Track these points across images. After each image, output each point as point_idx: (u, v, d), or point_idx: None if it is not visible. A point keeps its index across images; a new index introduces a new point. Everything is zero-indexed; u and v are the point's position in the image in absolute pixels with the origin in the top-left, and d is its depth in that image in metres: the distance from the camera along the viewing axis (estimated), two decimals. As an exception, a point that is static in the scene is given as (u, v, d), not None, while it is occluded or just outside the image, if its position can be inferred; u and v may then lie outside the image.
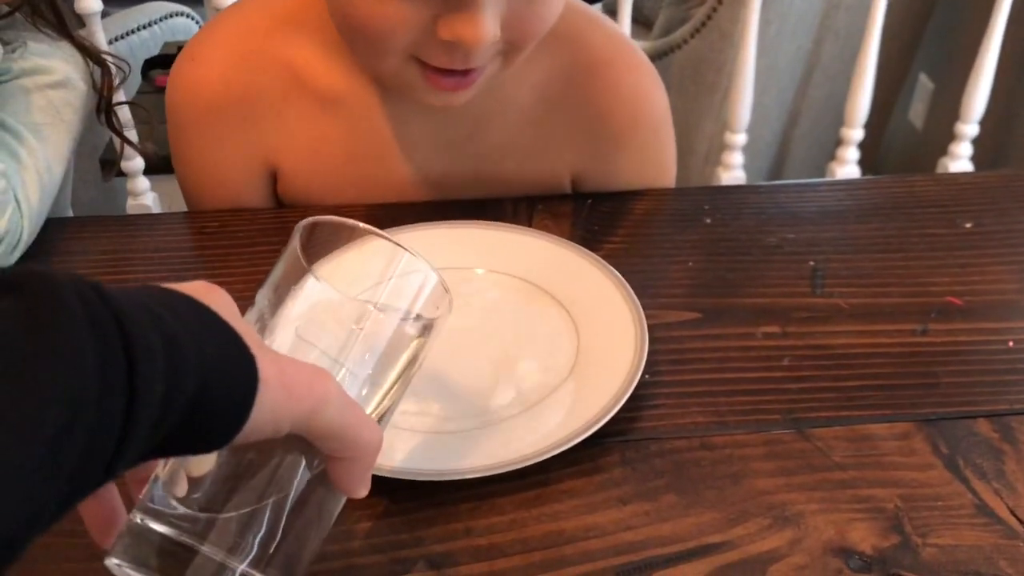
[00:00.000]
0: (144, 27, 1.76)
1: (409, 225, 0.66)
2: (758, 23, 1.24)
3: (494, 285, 0.63)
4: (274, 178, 0.73)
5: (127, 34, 1.73)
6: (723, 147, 1.34)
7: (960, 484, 0.50)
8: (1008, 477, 0.50)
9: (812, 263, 0.66)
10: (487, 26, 0.55)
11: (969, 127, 1.37)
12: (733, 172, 1.35)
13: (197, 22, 1.89)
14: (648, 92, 0.73)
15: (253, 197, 0.73)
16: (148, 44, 1.78)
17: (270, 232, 0.70)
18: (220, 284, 0.35)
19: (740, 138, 1.32)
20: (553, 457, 0.50)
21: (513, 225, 0.67)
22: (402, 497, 0.49)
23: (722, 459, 0.52)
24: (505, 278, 0.64)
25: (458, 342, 0.59)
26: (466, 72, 0.59)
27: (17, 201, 0.67)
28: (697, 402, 0.55)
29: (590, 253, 0.63)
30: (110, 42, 1.74)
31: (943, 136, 1.43)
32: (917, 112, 2.01)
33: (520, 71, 0.66)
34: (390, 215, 0.69)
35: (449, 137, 0.70)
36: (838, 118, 1.37)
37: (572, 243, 0.64)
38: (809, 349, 0.59)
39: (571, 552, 0.47)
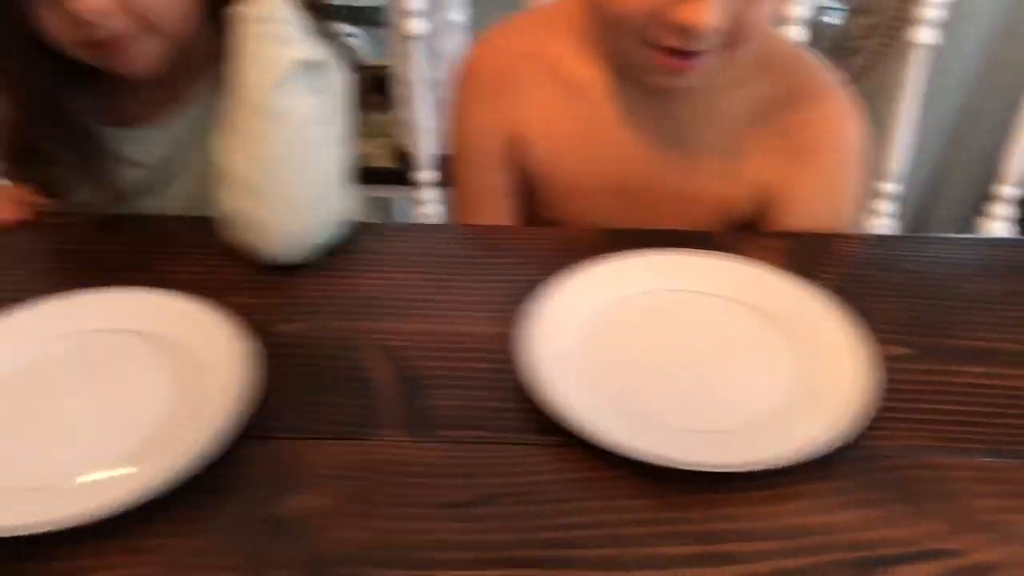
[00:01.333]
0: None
1: (641, 250, 0.75)
2: (918, 79, 1.30)
3: (720, 308, 0.71)
4: (521, 147, 0.85)
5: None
6: (875, 194, 1.39)
7: None
8: None
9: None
10: (711, 14, 0.65)
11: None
12: (883, 220, 1.40)
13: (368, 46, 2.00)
14: (842, 120, 0.81)
15: (504, 161, 0.86)
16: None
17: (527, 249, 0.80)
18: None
19: (893, 187, 1.38)
20: (798, 464, 0.57)
21: (735, 255, 0.75)
22: (675, 486, 0.57)
23: (944, 479, 0.58)
24: (729, 303, 0.71)
25: (700, 358, 0.67)
26: (692, 55, 0.69)
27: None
28: (917, 427, 0.62)
29: (811, 285, 0.71)
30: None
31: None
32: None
33: (734, 88, 0.77)
34: (613, 240, 0.77)
35: (667, 129, 0.80)
36: (989, 174, 1.41)
37: (794, 275, 0.72)
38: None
39: (810, 543, 0.55)
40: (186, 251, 0.78)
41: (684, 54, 0.69)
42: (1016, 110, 1.38)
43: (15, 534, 0.51)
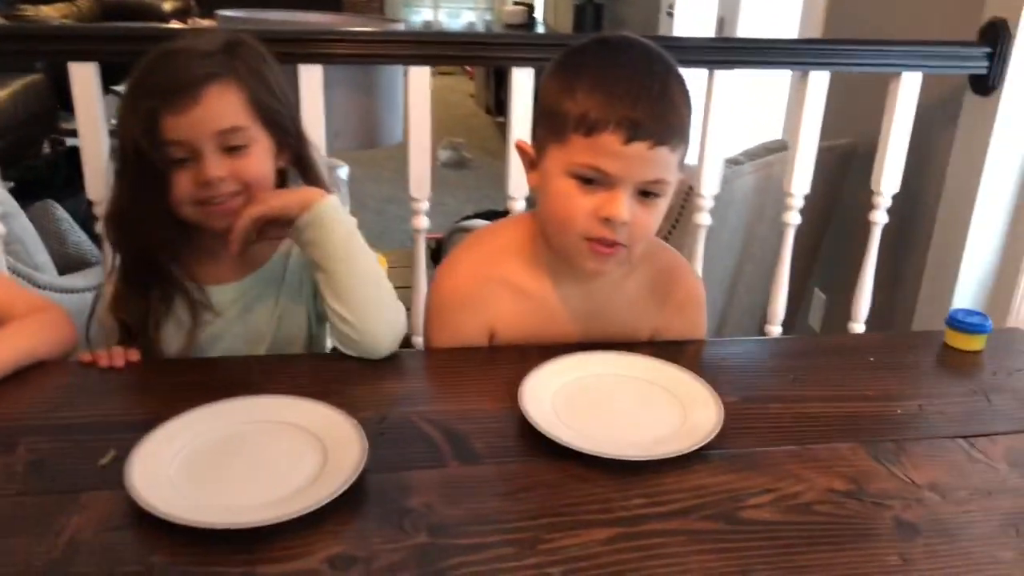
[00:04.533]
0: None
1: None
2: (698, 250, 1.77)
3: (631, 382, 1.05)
4: (492, 336, 1.18)
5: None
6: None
7: None
8: None
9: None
10: (624, 209, 1.00)
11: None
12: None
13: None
14: (697, 285, 1.22)
15: (478, 343, 1.17)
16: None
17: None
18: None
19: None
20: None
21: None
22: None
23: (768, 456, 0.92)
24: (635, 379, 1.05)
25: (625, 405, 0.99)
26: (613, 244, 1.03)
27: None
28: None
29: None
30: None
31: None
32: (815, 318, 2.62)
33: (629, 275, 1.14)
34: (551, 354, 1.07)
35: (589, 309, 1.16)
36: (757, 320, 1.87)
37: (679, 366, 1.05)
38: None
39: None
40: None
41: (608, 245, 1.05)
42: (768, 270, 1.88)
43: (250, 525, 0.78)
